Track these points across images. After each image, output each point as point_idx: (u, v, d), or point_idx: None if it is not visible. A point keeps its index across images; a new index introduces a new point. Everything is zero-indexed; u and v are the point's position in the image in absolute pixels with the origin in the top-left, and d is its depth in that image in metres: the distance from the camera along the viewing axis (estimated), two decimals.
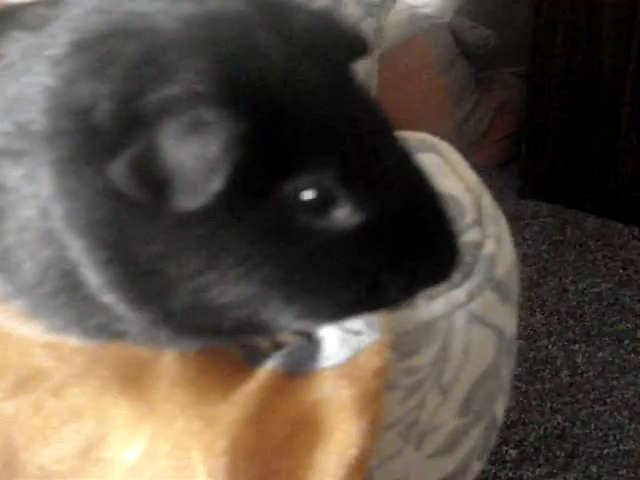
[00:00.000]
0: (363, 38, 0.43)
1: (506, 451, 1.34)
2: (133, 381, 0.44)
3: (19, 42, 0.39)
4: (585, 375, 1.50)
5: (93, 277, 0.37)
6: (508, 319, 0.56)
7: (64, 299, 0.39)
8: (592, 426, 1.40)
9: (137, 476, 0.43)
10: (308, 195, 0.35)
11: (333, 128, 0.36)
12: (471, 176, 0.62)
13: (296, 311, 0.38)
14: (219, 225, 0.35)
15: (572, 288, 1.70)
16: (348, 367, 0.46)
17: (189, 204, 0.33)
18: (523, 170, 1.97)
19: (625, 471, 1.32)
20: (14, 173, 0.37)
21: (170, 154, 0.32)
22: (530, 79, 1.89)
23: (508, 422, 1.38)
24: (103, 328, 0.41)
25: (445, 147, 0.66)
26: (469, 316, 0.52)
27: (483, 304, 0.53)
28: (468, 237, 0.55)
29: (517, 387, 1.46)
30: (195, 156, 0.32)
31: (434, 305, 0.50)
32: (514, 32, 1.99)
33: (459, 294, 0.51)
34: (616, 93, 1.77)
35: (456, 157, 0.65)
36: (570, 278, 1.73)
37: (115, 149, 0.33)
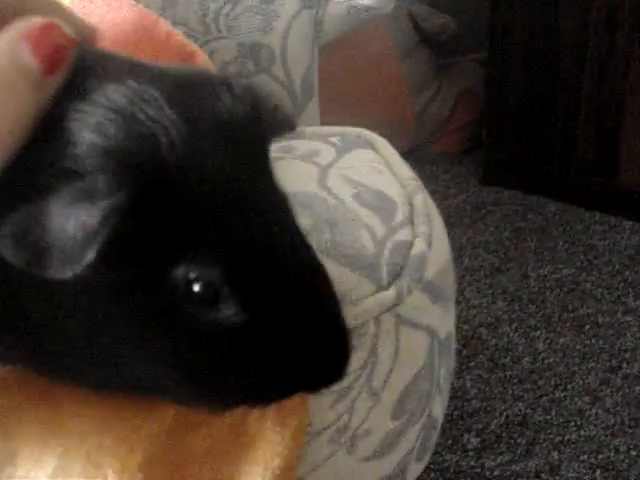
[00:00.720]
0: (287, 119, 0.42)
1: (468, 439, 1.34)
2: (41, 396, 0.42)
3: None
4: (546, 361, 1.51)
5: None
6: (441, 319, 0.56)
7: None
8: (553, 412, 1.41)
9: None
10: (196, 287, 0.34)
11: (225, 222, 0.34)
12: (406, 173, 0.61)
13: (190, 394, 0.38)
14: (100, 299, 0.35)
15: (533, 274, 1.71)
16: None
17: (61, 273, 0.32)
18: (485, 157, 1.97)
19: (586, 457, 1.33)
20: None
21: (54, 222, 0.31)
22: (489, 66, 1.89)
23: (470, 410, 1.39)
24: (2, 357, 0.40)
25: (382, 143, 0.65)
26: (398, 318, 0.51)
27: (412, 306, 0.52)
28: (398, 236, 0.54)
29: (479, 375, 1.46)
30: (75, 224, 0.31)
31: (361, 308, 0.49)
32: (474, 19, 1.98)
33: (387, 296, 0.50)
34: (575, 79, 1.78)
35: (392, 153, 0.64)
36: (532, 264, 1.73)
37: (6, 211, 0.32)
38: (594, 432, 1.36)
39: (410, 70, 1.93)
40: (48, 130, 0.34)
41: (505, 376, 1.47)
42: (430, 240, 0.54)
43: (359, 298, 0.50)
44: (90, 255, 0.31)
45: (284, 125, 0.42)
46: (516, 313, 1.61)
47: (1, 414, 0.41)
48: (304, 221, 0.40)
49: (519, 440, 1.36)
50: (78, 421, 0.42)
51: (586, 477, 1.31)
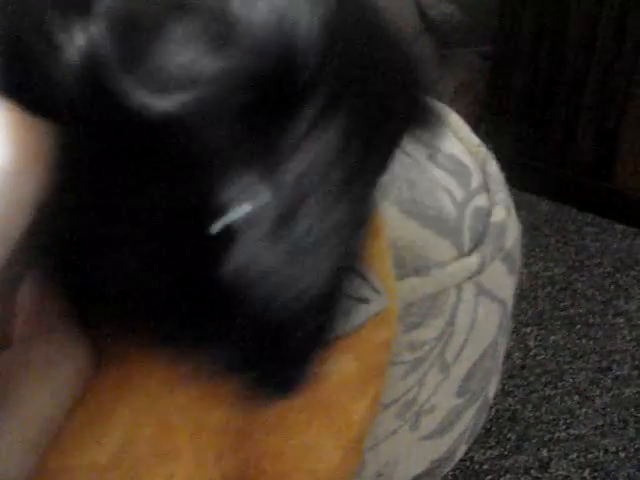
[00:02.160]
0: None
1: None
2: (111, 354, 0.38)
3: None
4: (537, 358, 1.50)
5: None
6: (511, 293, 0.52)
7: None
8: (543, 409, 1.40)
9: (114, 468, 0.37)
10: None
11: None
12: (474, 139, 0.58)
13: None
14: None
15: (525, 271, 1.70)
16: (352, 339, 0.41)
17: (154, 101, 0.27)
18: None
19: (575, 455, 1.32)
20: None
21: (172, 45, 0.27)
22: (494, 61, 1.87)
23: None
24: None
25: (446, 111, 0.61)
26: (478, 289, 0.48)
27: (492, 276, 0.48)
28: (477, 202, 0.51)
29: None
30: (189, 59, 0.27)
31: (445, 273, 0.46)
32: (481, 11, 1.96)
33: (470, 263, 0.47)
34: (580, 82, 1.77)
35: (456, 120, 0.60)
36: (523, 261, 1.72)
37: None
38: (583, 431, 1.36)
39: None
40: None
41: None
42: (509, 208, 0.51)
43: (442, 263, 0.46)
44: (180, 98, 0.26)
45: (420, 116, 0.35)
46: None
47: None
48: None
49: (509, 435, 1.35)
50: (151, 381, 0.38)
51: (575, 476, 1.30)
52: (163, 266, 0.29)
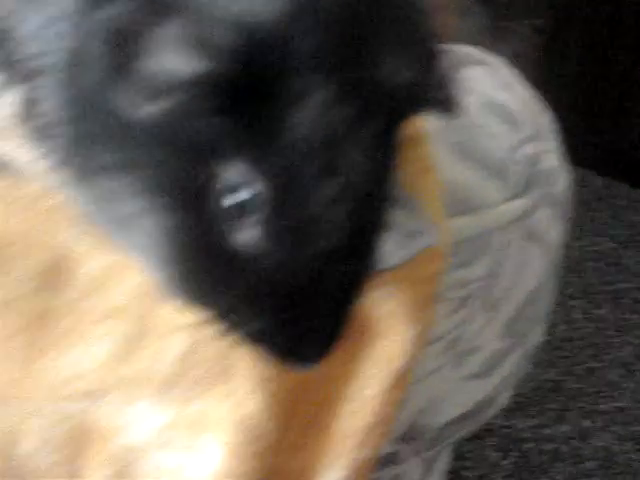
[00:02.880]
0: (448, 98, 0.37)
1: None
2: None
3: None
4: (582, 331, 1.49)
5: None
6: (560, 239, 0.53)
7: None
8: (586, 382, 1.40)
9: (171, 387, 0.39)
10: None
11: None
12: (526, 92, 0.59)
13: None
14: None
15: (574, 245, 1.68)
16: (403, 270, 0.43)
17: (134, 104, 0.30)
18: None
19: (617, 427, 1.31)
20: None
21: (154, 46, 0.30)
22: (548, 33, 1.84)
23: None
24: None
25: (495, 61, 0.62)
26: (525, 231, 0.49)
27: (539, 220, 0.49)
28: (528, 149, 0.51)
29: None
30: (169, 63, 0.30)
31: (492, 214, 0.47)
32: None
33: (518, 206, 0.48)
34: (636, 54, 1.73)
35: (508, 72, 0.61)
36: (572, 235, 1.71)
37: None
38: (626, 404, 1.35)
39: (464, 29, 1.88)
40: None
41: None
42: (560, 156, 0.51)
43: (490, 204, 0.47)
44: (164, 104, 0.30)
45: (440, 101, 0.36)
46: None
47: (137, 295, 0.39)
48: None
49: (551, 405, 1.35)
50: None
51: (616, 448, 1.29)
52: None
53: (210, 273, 0.33)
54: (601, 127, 1.84)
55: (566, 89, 1.86)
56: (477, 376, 0.52)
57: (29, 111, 0.36)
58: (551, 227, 0.51)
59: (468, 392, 0.53)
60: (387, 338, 0.43)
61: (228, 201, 0.31)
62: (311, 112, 0.31)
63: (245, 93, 0.30)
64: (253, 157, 0.31)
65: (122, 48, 0.30)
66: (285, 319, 0.33)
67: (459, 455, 1.23)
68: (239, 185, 0.31)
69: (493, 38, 1.97)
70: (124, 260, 0.38)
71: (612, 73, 1.79)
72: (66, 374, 0.38)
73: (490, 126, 0.51)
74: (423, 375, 0.50)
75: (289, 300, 0.33)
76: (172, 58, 0.29)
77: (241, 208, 0.31)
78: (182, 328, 0.38)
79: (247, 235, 0.32)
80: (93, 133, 0.33)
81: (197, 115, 0.30)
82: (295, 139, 0.31)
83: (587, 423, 1.32)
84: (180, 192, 0.32)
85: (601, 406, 1.35)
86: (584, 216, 1.77)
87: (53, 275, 0.39)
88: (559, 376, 1.40)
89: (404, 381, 0.45)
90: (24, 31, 0.35)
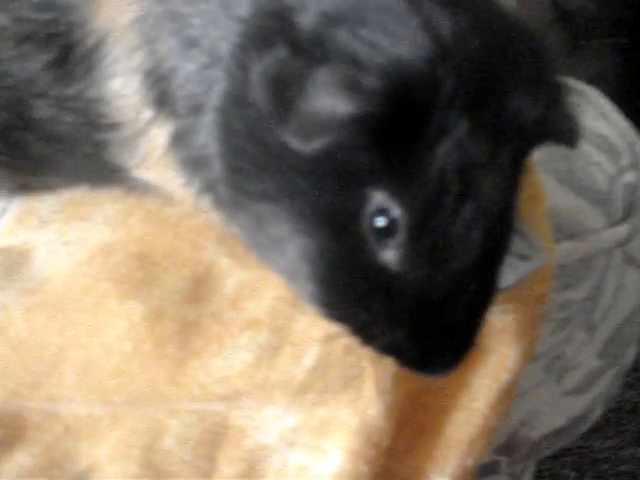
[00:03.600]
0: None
1: None
2: None
3: None
4: None
5: None
6: None
7: None
8: None
9: (303, 394, 0.43)
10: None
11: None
12: (622, 122, 0.61)
13: None
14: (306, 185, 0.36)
15: None
16: (513, 291, 0.46)
17: (296, 142, 0.34)
18: None
19: None
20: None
21: (312, 89, 0.33)
22: (628, 52, 1.83)
23: None
24: None
25: (592, 92, 0.65)
26: (625, 256, 0.51)
27: (639, 246, 0.52)
28: (627, 178, 0.54)
29: None
30: (327, 104, 0.33)
31: (595, 240, 0.50)
32: (615, 3, 1.93)
33: (620, 232, 0.51)
34: None
35: (604, 102, 0.64)
36: None
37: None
38: None
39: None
40: None
41: None
42: None
43: (594, 230, 0.50)
44: (320, 141, 0.33)
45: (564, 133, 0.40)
46: None
47: (272, 308, 0.43)
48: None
49: (628, 427, 1.34)
50: None
51: None
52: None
53: (354, 289, 0.37)
54: None
55: None
56: (574, 392, 0.55)
57: (181, 143, 0.41)
58: None
59: (565, 407, 0.55)
60: (497, 353, 0.46)
61: (379, 222, 0.35)
62: (451, 145, 0.34)
63: (394, 130, 0.34)
64: (400, 185, 0.35)
65: (285, 91, 0.34)
66: (420, 332, 0.37)
67: (537, 473, 1.24)
68: (387, 209, 0.35)
69: (573, 57, 1.97)
70: (262, 276, 0.43)
71: None
72: (208, 378, 0.43)
73: (591, 155, 0.54)
74: (526, 389, 0.53)
75: (425, 315, 0.36)
76: (329, 100, 0.33)
77: (388, 230, 0.35)
78: (316, 340, 0.42)
79: (391, 255, 0.35)
80: (248, 164, 0.38)
81: (353, 149, 0.35)
82: (437, 170, 0.34)
83: None
84: (332, 216, 0.36)
85: None
86: None
87: (200, 287, 0.43)
88: (637, 397, 1.39)
89: (510, 395, 0.48)
90: (179, 75, 0.40)
